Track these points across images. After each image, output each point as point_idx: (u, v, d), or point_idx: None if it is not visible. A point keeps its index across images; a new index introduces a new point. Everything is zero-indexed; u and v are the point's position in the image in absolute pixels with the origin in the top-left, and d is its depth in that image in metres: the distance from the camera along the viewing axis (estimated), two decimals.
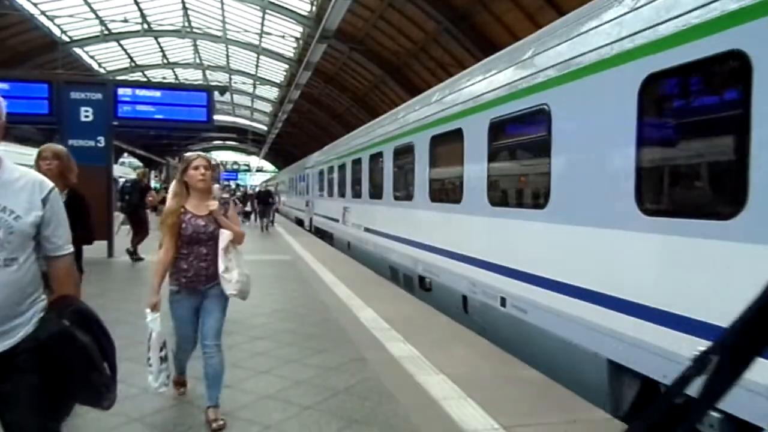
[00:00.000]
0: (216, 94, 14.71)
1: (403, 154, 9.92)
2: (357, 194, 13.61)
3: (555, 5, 16.91)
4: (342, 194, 15.48)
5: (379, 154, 11.44)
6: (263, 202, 22.50)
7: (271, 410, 3.98)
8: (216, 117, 17.27)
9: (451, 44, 22.92)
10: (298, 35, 30.94)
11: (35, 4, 26.87)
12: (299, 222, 27.09)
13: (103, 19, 30.19)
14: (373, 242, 11.95)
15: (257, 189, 30.39)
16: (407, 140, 9.63)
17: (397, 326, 6.44)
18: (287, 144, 63.59)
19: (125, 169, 44.19)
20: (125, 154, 58.42)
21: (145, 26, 31.91)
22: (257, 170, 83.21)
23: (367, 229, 12.56)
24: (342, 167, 15.64)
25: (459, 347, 5.64)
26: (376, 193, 11.80)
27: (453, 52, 23.35)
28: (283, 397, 4.22)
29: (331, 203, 17.58)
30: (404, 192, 10.03)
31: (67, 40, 31.29)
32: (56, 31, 29.76)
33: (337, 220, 16.32)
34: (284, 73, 39.13)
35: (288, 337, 6.03)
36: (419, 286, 9.02)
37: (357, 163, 13.62)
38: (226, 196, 4.26)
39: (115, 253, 12.39)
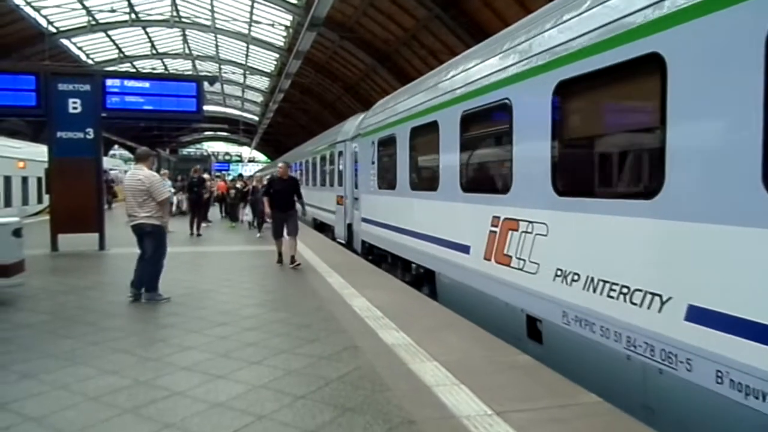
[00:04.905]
0: (206, 84, 14.62)
1: None
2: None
3: None
4: (501, 186, 6.22)
5: None
6: (282, 205, 10.38)
7: (264, 400, 3.98)
8: (206, 107, 17.11)
9: (442, 31, 22.83)
10: (288, 23, 30.73)
11: None
12: (319, 227, 19.28)
13: (90, 9, 29.86)
14: None
15: (267, 176, 18.42)
16: None
17: (390, 314, 6.45)
18: (279, 134, 63.40)
19: (115, 162, 43.91)
20: (115, 146, 58.10)
21: (133, 16, 31.60)
22: (249, 160, 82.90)
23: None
24: (506, 110, 5.87)
25: (452, 335, 5.66)
26: None
27: (444, 39, 23.27)
28: (276, 387, 4.23)
29: (429, 205, 8.42)
30: None
31: (54, 31, 30.95)
32: (43, 22, 29.40)
33: (463, 248, 7.03)
34: (275, 63, 38.92)
35: (280, 327, 6.02)
36: None
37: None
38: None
39: (107, 246, 12.36)
